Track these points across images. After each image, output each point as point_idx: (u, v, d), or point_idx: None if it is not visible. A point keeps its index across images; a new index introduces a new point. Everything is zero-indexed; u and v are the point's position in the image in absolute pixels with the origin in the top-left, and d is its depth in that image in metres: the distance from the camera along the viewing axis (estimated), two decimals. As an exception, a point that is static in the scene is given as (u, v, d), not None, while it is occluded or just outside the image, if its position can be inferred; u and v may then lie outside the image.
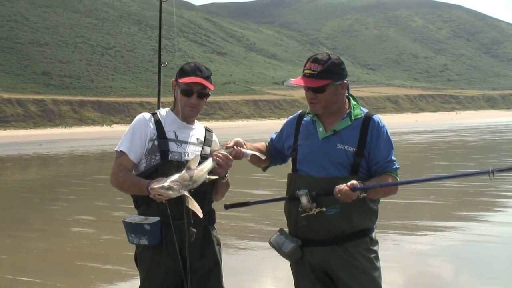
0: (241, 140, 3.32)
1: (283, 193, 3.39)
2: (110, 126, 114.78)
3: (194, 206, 3.03)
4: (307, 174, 3.21)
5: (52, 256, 7.91)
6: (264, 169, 3.64)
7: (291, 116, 3.49)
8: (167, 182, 2.92)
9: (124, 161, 3.28)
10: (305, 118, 3.36)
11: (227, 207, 3.41)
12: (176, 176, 2.97)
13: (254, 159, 3.42)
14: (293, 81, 3.22)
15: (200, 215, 3.04)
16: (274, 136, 3.54)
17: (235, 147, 3.27)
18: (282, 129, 3.49)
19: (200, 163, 3.15)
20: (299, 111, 3.46)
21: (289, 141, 3.38)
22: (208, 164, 3.16)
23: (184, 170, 3.01)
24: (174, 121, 3.38)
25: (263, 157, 3.39)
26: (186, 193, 2.99)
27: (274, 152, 3.52)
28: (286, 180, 3.37)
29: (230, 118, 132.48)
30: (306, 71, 3.17)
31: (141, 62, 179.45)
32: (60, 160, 28.95)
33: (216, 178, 3.24)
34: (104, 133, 72.89)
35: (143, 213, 3.28)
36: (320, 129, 3.25)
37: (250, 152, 3.32)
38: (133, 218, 3.24)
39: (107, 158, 27.42)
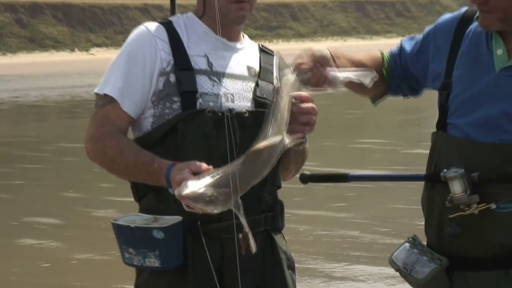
0: (326, 51, 3.21)
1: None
2: (87, 51, 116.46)
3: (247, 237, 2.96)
4: (466, 136, 3.18)
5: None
6: (375, 99, 3.65)
7: (448, 16, 3.46)
8: (208, 186, 2.79)
9: (113, 115, 3.28)
10: (472, 26, 3.30)
11: (305, 179, 3.43)
12: (228, 169, 2.86)
13: (351, 85, 3.37)
14: None
15: (253, 249, 2.97)
16: (406, 45, 3.52)
17: (315, 68, 3.16)
18: (427, 37, 3.47)
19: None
20: (464, 9, 3.40)
21: (439, 64, 3.35)
22: (281, 123, 2.98)
23: (244, 157, 2.90)
24: (205, 37, 3.38)
25: (367, 81, 3.25)
26: (242, 218, 2.88)
27: (401, 73, 3.52)
28: (427, 150, 3.35)
29: (313, 36, 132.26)
30: None
31: None
32: (-3, 115, 29.61)
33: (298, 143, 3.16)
34: (76, 65, 73.76)
35: (149, 208, 3.29)
36: (499, 51, 3.19)
37: (344, 75, 3.22)
38: (132, 218, 3.26)
39: (81, 110, 27.85)
